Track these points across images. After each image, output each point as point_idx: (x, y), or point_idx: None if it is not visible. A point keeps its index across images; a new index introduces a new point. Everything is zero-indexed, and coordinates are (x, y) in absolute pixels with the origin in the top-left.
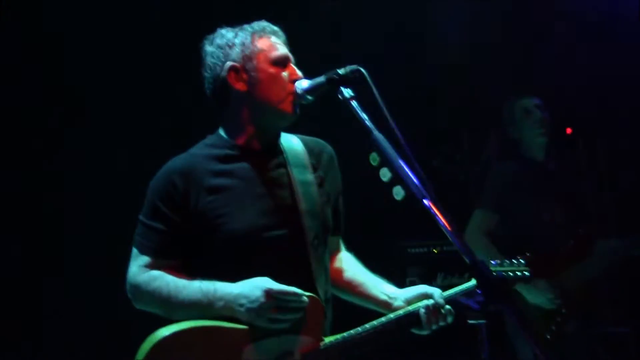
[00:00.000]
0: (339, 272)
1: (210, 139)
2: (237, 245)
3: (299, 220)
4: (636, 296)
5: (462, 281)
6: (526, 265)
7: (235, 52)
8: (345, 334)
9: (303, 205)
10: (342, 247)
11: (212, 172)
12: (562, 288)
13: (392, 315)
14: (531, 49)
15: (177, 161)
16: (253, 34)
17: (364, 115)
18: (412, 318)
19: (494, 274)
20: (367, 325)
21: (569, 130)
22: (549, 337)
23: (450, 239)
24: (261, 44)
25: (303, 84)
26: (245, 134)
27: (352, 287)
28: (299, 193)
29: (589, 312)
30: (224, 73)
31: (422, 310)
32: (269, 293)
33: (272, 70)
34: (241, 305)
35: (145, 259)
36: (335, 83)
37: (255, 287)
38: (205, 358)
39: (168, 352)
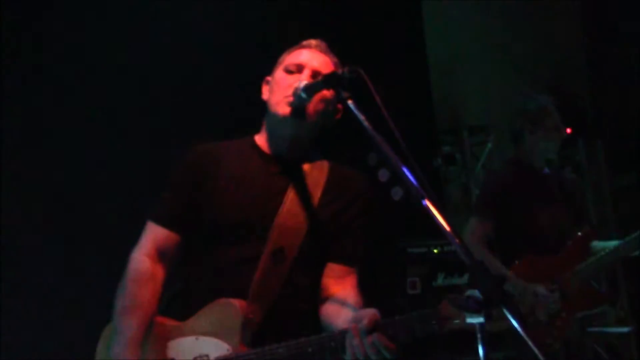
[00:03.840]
0: (326, 311)
1: (245, 138)
2: (205, 233)
3: (266, 229)
4: (636, 296)
5: (462, 281)
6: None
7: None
8: (266, 347)
9: (281, 218)
10: (351, 284)
11: (226, 163)
12: (561, 291)
13: (315, 336)
14: None
15: (207, 145)
16: (288, 50)
17: (361, 115)
18: (335, 341)
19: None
20: (289, 342)
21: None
22: (550, 342)
23: (449, 239)
24: (288, 56)
25: (301, 83)
26: (263, 137)
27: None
28: (284, 206)
29: (589, 313)
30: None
31: (348, 334)
32: None
33: (281, 75)
34: None
35: (154, 231)
36: (333, 83)
37: None
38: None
39: None
